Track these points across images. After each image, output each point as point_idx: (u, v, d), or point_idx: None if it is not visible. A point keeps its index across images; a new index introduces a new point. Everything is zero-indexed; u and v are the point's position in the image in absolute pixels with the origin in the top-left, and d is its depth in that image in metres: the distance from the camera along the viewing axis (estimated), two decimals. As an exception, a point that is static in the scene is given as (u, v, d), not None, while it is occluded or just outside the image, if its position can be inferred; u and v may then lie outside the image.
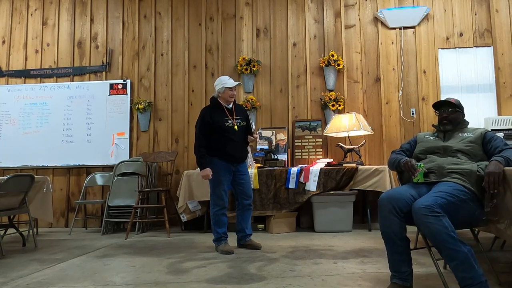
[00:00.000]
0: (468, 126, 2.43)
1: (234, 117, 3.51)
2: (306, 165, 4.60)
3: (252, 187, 4.37)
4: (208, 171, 3.37)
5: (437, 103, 2.46)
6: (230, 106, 3.55)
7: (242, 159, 3.56)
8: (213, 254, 3.28)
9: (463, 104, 2.50)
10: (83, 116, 5.49)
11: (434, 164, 2.22)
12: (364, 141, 4.85)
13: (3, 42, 5.78)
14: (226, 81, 3.48)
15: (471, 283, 1.79)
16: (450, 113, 2.38)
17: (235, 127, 3.47)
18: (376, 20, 5.26)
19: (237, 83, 3.52)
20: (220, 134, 3.43)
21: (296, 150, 5.12)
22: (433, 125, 2.50)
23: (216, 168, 3.41)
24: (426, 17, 5.16)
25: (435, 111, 2.49)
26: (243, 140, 3.56)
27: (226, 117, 3.47)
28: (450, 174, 2.13)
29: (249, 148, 3.78)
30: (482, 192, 2.04)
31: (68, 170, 5.47)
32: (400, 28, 5.20)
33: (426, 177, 2.21)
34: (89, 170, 5.40)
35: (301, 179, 4.36)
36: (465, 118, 2.45)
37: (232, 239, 3.59)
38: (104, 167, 5.38)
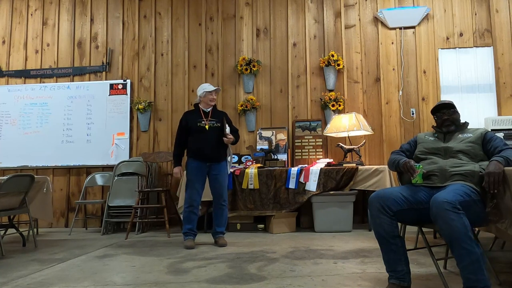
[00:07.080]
0: (468, 127, 2.43)
1: (209, 119, 3.76)
2: (306, 165, 4.60)
3: (252, 187, 4.41)
4: (178, 169, 3.78)
5: (436, 107, 2.44)
6: (208, 110, 3.79)
7: (215, 158, 3.72)
8: (213, 254, 3.28)
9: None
10: (83, 116, 5.49)
11: (436, 166, 2.20)
12: (364, 141, 4.85)
13: (3, 42, 5.78)
14: (206, 87, 3.77)
15: (476, 285, 1.78)
16: (451, 114, 2.38)
17: (206, 126, 3.71)
18: (376, 20, 5.26)
19: (216, 87, 3.77)
20: (192, 134, 3.71)
21: (296, 150, 5.12)
22: (433, 127, 2.50)
23: (188, 169, 3.69)
24: (426, 17, 5.16)
25: (433, 116, 2.47)
26: (216, 140, 3.71)
27: (200, 119, 3.74)
28: (453, 177, 2.12)
29: (230, 150, 3.88)
30: (484, 193, 2.04)
31: (68, 170, 5.47)
32: (400, 28, 5.20)
33: (428, 180, 2.19)
34: (89, 170, 5.40)
35: (301, 179, 4.37)
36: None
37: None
38: (104, 167, 5.39)
